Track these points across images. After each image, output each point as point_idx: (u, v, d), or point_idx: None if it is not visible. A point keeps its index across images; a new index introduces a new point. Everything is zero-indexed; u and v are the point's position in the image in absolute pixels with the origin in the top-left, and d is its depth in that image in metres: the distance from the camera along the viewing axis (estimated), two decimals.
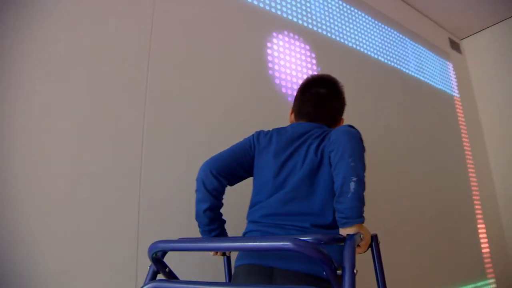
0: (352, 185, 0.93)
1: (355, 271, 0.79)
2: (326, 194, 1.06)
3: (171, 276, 1.00)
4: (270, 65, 1.86)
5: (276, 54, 1.90)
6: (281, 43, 1.94)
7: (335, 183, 0.98)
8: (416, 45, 3.07)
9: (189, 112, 1.55)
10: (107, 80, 1.35)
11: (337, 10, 2.43)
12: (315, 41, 2.15)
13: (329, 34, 2.28)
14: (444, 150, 2.89)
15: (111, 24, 1.41)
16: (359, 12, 2.61)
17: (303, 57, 2.04)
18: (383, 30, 2.79)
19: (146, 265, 1.00)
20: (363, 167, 0.97)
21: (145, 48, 1.48)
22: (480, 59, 3.54)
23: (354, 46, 2.46)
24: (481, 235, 2.87)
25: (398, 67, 2.77)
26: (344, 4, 2.49)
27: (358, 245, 0.92)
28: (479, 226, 2.88)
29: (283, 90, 1.87)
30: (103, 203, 1.26)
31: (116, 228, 1.27)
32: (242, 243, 0.87)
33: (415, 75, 2.92)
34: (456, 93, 3.30)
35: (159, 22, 1.54)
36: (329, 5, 2.38)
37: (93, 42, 1.35)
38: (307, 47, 2.06)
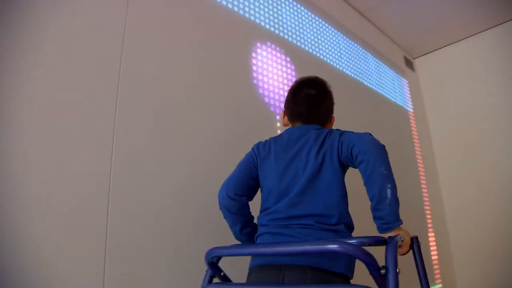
0: (389, 192, 1.01)
1: (398, 270, 0.85)
2: (329, 196, 1.13)
3: (225, 279, 1.12)
4: (254, 74, 1.85)
5: (260, 64, 1.90)
6: (264, 53, 1.94)
7: (370, 192, 1.04)
8: (377, 61, 3.22)
9: (166, 117, 1.49)
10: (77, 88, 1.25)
11: (309, 22, 2.48)
12: (293, 53, 2.18)
13: (303, 46, 2.32)
14: (399, 162, 3.04)
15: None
16: (329, 26, 2.69)
17: (284, 69, 2.06)
18: (349, 44, 2.89)
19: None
20: (392, 174, 1.04)
21: (116, 60, 1.37)
22: (431, 77, 3.79)
23: (325, 59, 2.52)
24: (431, 243, 3.06)
25: (362, 81, 2.89)
26: (313, 16, 2.55)
27: (400, 246, 1.00)
28: (429, 235, 3.07)
29: (266, 99, 1.87)
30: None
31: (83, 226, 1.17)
32: (294, 247, 0.93)
33: (376, 89, 3.06)
34: (410, 109, 3.50)
35: (133, 26, 1.44)
36: (302, 18, 2.43)
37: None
38: (287, 59, 2.08)
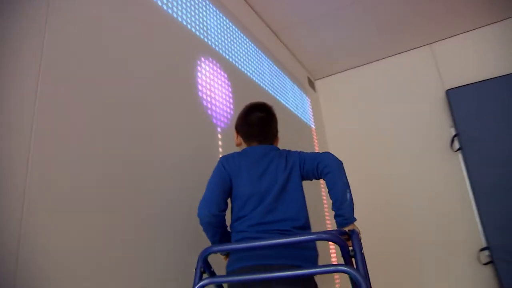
0: (348, 196, 1.34)
1: (363, 252, 1.18)
2: (298, 202, 1.41)
3: (214, 274, 1.30)
4: (199, 87, 1.93)
5: (204, 77, 1.98)
6: (207, 68, 2.03)
7: (333, 196, 1.36)
8: (286, 78, 3.55)
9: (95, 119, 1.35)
10: None
11: (235, 38, 2.64)
12: (226, 67, 2.31)
13: (233, 62, 2.47)
14: None
15: None
16: (250, 43, 2.89)
17: (224, 85, 2.18)
18: (265, 60, 3.14)
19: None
20: (349, 183, 1.38)
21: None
22: (328, 97, 4.29)
23: (250, 75, 2.71)
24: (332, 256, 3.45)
25: (275, 96, 3.16)
26: (238, 32, 2.73)
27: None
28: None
29: (209, 111, 1.96)
30: None
31: None
32: (290, 239, 1.18)
33: (286, 104, 3.36)
34: (312, 125, 3.91)
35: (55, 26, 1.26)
36: (229, 32, 2.58)
37: None
38: (225, 76, 2.20)
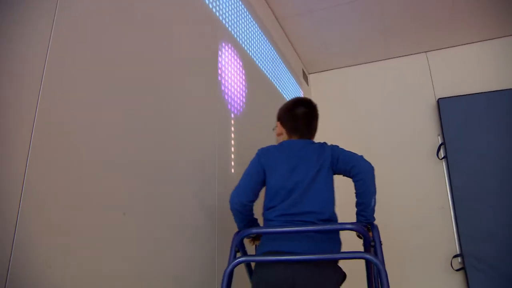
0: (373, 202, 1.48)
1: (381, 242, 1.38)
2: (324, 196, 1.48)
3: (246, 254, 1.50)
4: (219, 71, 1.83)
5: (223, 63, 1.88)
6: (227, 53, 1.93)
7: (360, 199, 1.49)
8: (286, 69, 3.49)
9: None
10: None
11: (247, 23, 2.54)
12: (241, 54, 2.22)
13: (246, 48, 2.38)
14: None
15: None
16: (257, 27, 2.80)
17: (239, 72, 2.09)
18: (269, 48, 3.06)
19: None
20: (376, 189, 1.50)
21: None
22: (320, 94, 4.26)
23: (258, 62, 2.63)
24: None
25: (276, 85, 3.10)
26: (250, 17, 2.63)
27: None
28: None
29: (226, 97, 1.87)
30: None
31: None
32: (318, 227, 1.38)
33: (284, 95, 3.31)
34: None
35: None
36: (243, 18, 2.47)
37: None
38: (241, 63, 2.11)
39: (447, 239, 3.43)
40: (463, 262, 3.28)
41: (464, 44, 3.81)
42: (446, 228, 3.46)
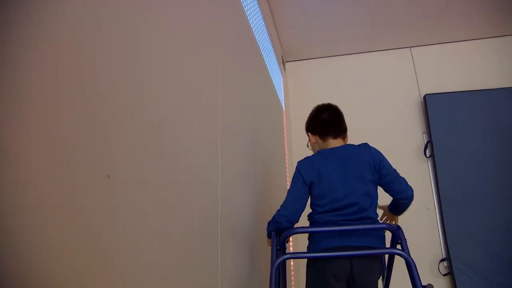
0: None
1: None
2: (372, 198, 1.64)
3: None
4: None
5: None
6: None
7: (393, 210, 1.84)
8: (273, 53, 3.13)
9: None
10: None
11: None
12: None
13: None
14: (271, 154, 2.94)
15: None
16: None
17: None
18: (262, 27, 2.68)
19: None
20: None
21: None
22: (298, 83, 3.94)
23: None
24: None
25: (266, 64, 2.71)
26: None
27: None
28: None
29: None
30: None
31: None
32: (362, 226, 1.59)
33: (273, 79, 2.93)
34: (283, 106, 3.51)
35: None
36: None
37: None
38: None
39: (432, 241, 3.24)
40: (450, 266, 3.09)
41: (450, 42, 3.73)
42: (431, 230, 3.27)
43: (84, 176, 0.71)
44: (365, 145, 1.72)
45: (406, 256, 1.45)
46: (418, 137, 3.51)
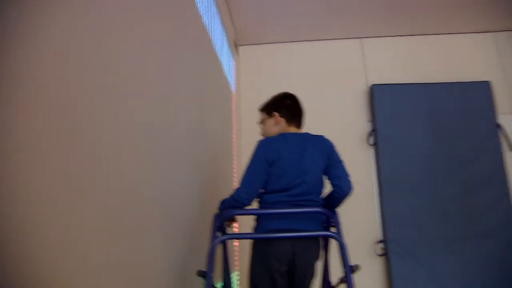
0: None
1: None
2: (320, 183, 1.76)
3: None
4: None
5: None
6: None
7: (329, 203, 1.77)
8: (224, 35, 3.08)
9: None
10: None
11: None
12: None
13: None
14: (218, 138, 2.93)
15: None
16: None
17: None
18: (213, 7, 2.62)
19: None
20: None
21: None
22: (249, 68, 3.92)
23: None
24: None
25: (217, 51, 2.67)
26: None
27: None
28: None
29: None
30: None
31: None
32: (299, 209, 1.63)
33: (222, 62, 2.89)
34: (234, 90, 3.49)
35: None
36: None
37: None
38: None
39: (371, 224, 3.42)
40: (386, 247, 3.28)
41: (401, 36, 3.88)
42: (371, 214, 3.44)
43: None
44: (321, 136, 1.84)
45: (337, 238, 1.55)
46: (363, 125, 3.65)
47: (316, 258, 1.72)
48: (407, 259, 3.24)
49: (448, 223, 3.33)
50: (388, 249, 3.27)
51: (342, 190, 1.72)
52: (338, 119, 3.67)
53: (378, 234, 3.39)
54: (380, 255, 3.33)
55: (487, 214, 3.35)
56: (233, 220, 1.89)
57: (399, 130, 3.51)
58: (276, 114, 1.83)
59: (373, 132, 3.55)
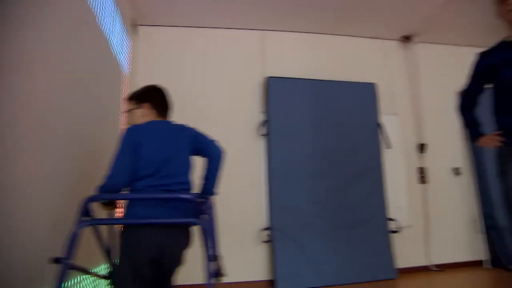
0: (216, 179, 1.88)
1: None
2: (186, 170, 1.79)
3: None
4: None
5: None
6: None
7: (207, 175, 1.83)
8: (118, 12, 2.93)
9: None
10: None
11: None
12: None
13: None
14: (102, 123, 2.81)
15: None
16: None
17: None
18: None
19: None
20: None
21: None
22: (150, 50, 3.79)
23: None
24: None
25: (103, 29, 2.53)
26: None
27: None
28: None
29: None
30: None
31: None
32: (161, 195, 1.64)
33: (110, 40, 2.75)
34: (127, 71, 3.35)
35: None
36: None
37: None
38: None
39: (259, 213, 3.53)
40: (271, 234, 3.41)
41: (301, 32, 4.05)
42: (259, 203, 3.55)
43: None
44: (183, 125, 1.89)
45: (203, 224, 1.57)
46: (257, 116, 3.74)
47: (184, 246, 1.72)
48: (289, 245, 3.40)
49: (329, 212, 3.56)
50: (273, 236, 3.40)
51: (213, 153, 1.83)
52: (233, 108, 3.73)
53: (265, 222, 3.51)
54: (266, 242, 3.45)
55: (363, 204, 3.65)
56: (113, 205, 1.81)
57: (290, 123, 3.66)
58: (146, 105, 1.86)
59: (266, 122, 3.66)
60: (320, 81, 3.84)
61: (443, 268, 3.83)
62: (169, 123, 1.87)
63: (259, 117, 3.73)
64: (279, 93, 3.71)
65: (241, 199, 3.55)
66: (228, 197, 3.50)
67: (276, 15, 3.75)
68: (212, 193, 1.86)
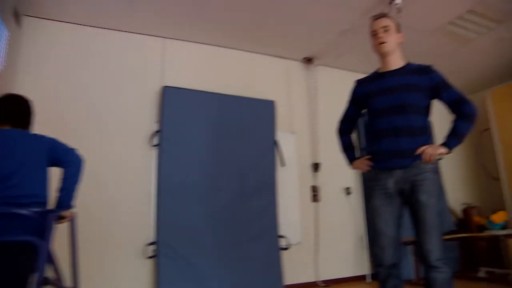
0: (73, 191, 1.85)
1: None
2: (39, 183, 1.73)
3: None
4: None
5: None
6: None
7: (63, 186, 1.78)
8: None
9: None
10: None
11: None
12: None
13: None
14: None
15: None
16: None
17: None
18: None
19: None
20: None
21: None
22: (36, 45, 3.44)
23: None
24: None
25: None
26: None
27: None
28: None
29: None
30: None
31: None
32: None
33: None
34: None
35: None
36: None
37: None
38: None
39: (145, 227, 3.34)
40: (156, 250, 3.23)
41: (203, 44, 4.00)
42: (146, 216, 3.36)
43: None
44: (37, 134, 1.84)
45: (36, 242, 1.48)
46: (150, 125, 3.57)
47: (26, 270, 1.54)
48: (176, 261, 3.25)
49: (220, 228, 3.49)
50: (159, 251, 3.22)
51: (70, 162, 1.80)
52: (125, 115, 3.52)
53: (150, 236, 3.32)
54: (150, 257, 3.26)
55: (256, 220, 3.64)
56: None
57: (184, 135, 3.54)
58: None
59: (158, 132, 3.51)
60: (219, 94, 3.80)
61: (329, 283, 3.95)
62: (14, 131, 1.76)
63: (153, 127, 3.56)
64: (175, 103, 3.58)
65: (128, 211, 3.33)
66: (112, 209, 3.27)
67: (178, 24, 3.65)
68: (68, 206, 1.76)
